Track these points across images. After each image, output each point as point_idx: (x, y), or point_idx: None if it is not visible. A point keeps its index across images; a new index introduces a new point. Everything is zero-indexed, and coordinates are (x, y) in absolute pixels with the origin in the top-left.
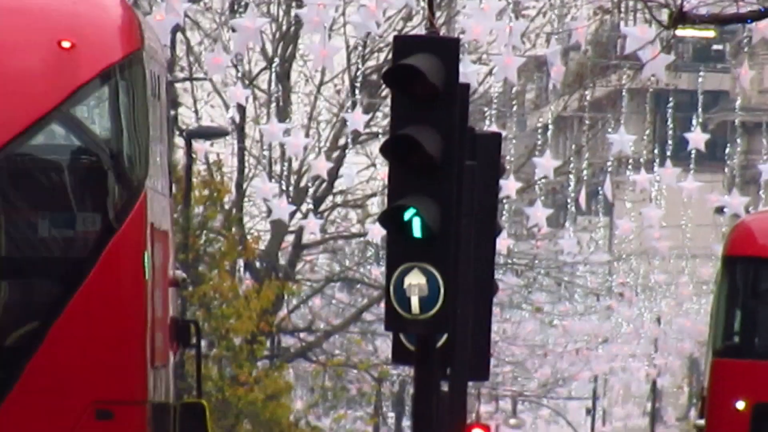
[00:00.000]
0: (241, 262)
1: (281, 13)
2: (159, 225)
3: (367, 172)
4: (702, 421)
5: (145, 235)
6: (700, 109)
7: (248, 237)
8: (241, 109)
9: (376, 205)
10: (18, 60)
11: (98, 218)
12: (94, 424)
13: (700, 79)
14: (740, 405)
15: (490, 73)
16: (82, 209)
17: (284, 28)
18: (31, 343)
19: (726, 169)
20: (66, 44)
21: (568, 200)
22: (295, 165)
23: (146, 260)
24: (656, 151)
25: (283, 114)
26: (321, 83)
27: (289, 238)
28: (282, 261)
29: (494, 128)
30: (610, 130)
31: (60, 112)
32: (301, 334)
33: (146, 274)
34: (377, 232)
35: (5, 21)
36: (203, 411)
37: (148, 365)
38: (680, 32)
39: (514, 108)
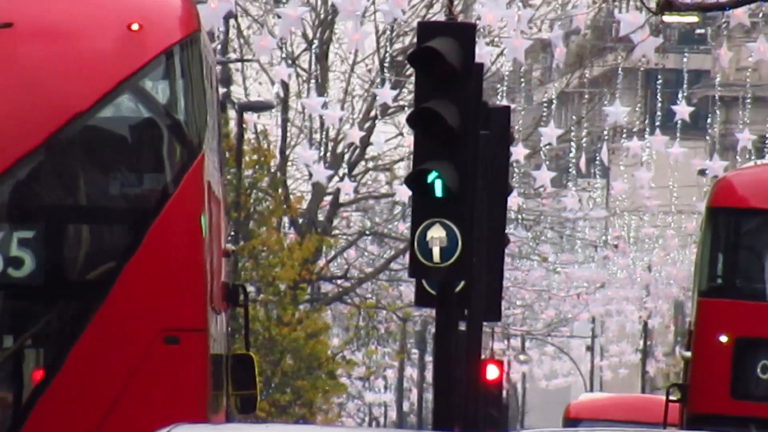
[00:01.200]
0: (285, 219)
1: (320, 2)
2: (213, 187)
3: (394, 140)
4: (689, 353)
5: (202, 190)
6: (684, 85)
7: (291, 197)
8: (285, 85)
9: (402, 169)
10: (94, 41)
11: (161, 176)
12: (163, 348)
13: (684, 59)
14: (723, 339)
15: (501, 54)
16: (147, 169)
17: (322, 15)
18: (109, 279)
19: (707, 137)
20: (135, 27)
21: (570, 164)
22: (332, 134)
23: (203, 221)
24: (647, 121)
25: (322, 90)
26: (354, 63)
27: (327, 198)
28: (321, 218)
29: (505, 102)
30: (606, 103)
31: (129, 84)
32: (338, 281)
33: (203, 231)
34: (404, 193)
35: (83, 8)
36: (252, 362)
37: (207, 302)
38: (667, 18)
39: (522, 85)
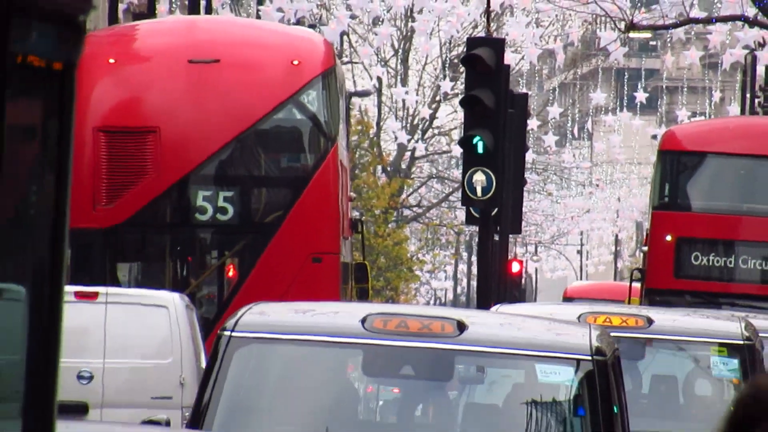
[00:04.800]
0: (379, 168)
1: (402, 25)
2: (343, 161)
3: (452, 116)
4: (646, 248)
5: (336, 164)
6: (642, 79)
7: (384, 153)
8: (379, 80)
9: (456, 134)
10: (270, 71)
11: (312, 156)
12: (311, 265)
13: (642, 61)
14: (668, 238)
15: (522, 59)
16: (304, 151)
17: (404, 33)
18: (278, 222)
19: (658, 114)
20: (296, 62)
21: (567, 131)
22: (411, 112)
23: (339, 182)
24: (618, 103)
25: (404, 82)
26: (425, 64)
27: (407, 154)
28: (403, 167)
29: (524, 90)
30: (591, 91)
31: (292, 99)
32: (414, 208)
33: (339, 184)
34: (457, 150)
35: (263, 51)
36: (366, 267)
37: (340, 234)
38: (631, 34)
39: (536, 79)
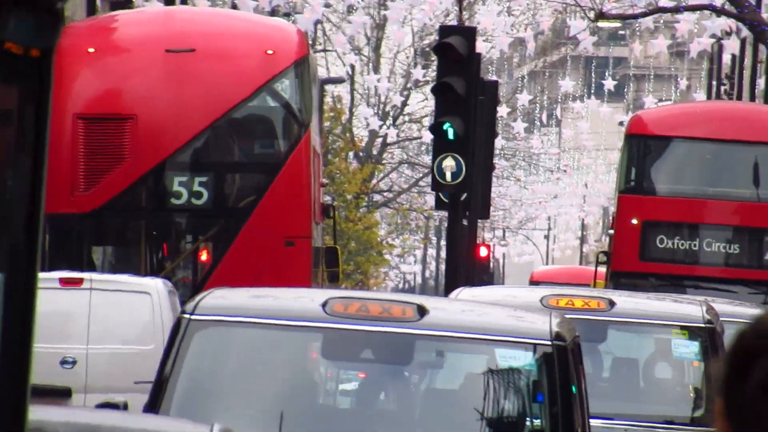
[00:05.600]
0: (351, 154)
1: (375, 13)
2: (316, 147)
3: (423, 103)
4: (612, 231)
5: (309, 150)
6: (610, 67)
7: (356, 139)
8: (352, 67)
9: (427, 121)
10: (245, 60)
11: (285, 143)
12: (284, 249)
13: (611, 50)
14: (634, 221)
15: (492, 47)
16: (277, 138)
17: (377, 21)
18: (252, 206)
19: (625, 101)
20: (270, 52)
21: (536, 118)
22: (383, 99)
23: (312, 167)
24: (586, 90)
25: (376, 70)
26: (397, 52)
27: (379, 140)
28: (374, 152)
29: (494, 78)
30: (560, 78)
31: (267, 87)
32: (384, 193)
33: (311, 170)
34: (428, 136)
35: (237, 40)
36: (337, 251)
37: (312, 218)
38: (601, 23)
39: (506, 66)
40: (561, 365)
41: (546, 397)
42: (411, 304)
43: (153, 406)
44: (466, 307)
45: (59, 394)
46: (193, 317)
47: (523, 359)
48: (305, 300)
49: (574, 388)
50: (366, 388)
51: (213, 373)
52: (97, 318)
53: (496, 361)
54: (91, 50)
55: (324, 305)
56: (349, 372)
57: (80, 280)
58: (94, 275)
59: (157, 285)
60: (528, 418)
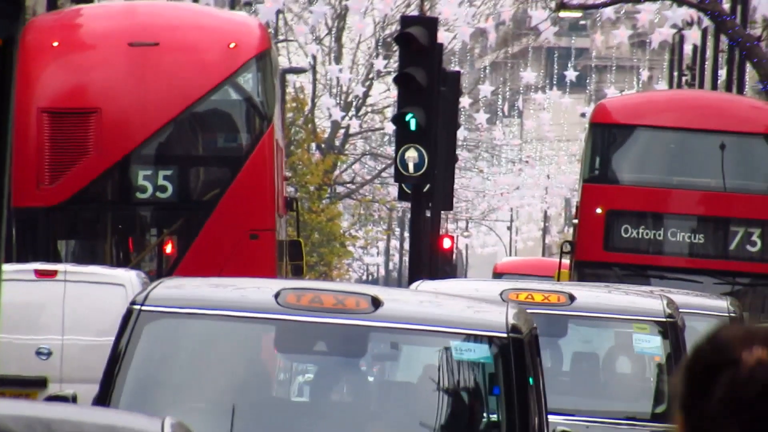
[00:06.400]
0: (313, 145)
1: (337, 3)
2: (279, 141)
3: (385, 93)
4: (576, 221)
5: (272, 143)
6: (572, 58)
7: (318, 130)
8: (314, 57)
9: (390, 112)
10: (207, 54)
11: (248, 136)
12: (249, 241)
13: (572, 41)
14: (598, 210)
15: (454, 37)
16: (240, 131)
17: (338, 11)
18: (216, 199)
19: (586, 92)
20: (232, 45)
21: (498, 109)
22: (345, 89)
23: (275, 161)
24: (548, 81)
25: (338, 60)
26: (359, 42)
27: (341, 131)
28: (337, 143)
29: (456, 68)
30: (521, 69)
31: (229, 80)
32: (347, 184)
33: (275, 163)
34: (390, 127)
35: (200, 34)
36: (301, 244)
37: (276, 211)
38: (561, 14)
39: (468, 57)
40: (517, 357)
41: (502, 390)
42: (365, 295)
43: (103, 399)
44: (422, 298)
45: (34, 384)
46: (143, 308)
47: (478, 351)
48: (258, 291)
49: (531, 380)
50: (320, 380)
51: (163, 365)
52: (71, 309)
53: (451, 353)
54: (56, 44)
55: (277, 296)
56: (302, 364)
57: (54, 272)
58: (69, 267)
59: (131, 277)
60: (484, 411)
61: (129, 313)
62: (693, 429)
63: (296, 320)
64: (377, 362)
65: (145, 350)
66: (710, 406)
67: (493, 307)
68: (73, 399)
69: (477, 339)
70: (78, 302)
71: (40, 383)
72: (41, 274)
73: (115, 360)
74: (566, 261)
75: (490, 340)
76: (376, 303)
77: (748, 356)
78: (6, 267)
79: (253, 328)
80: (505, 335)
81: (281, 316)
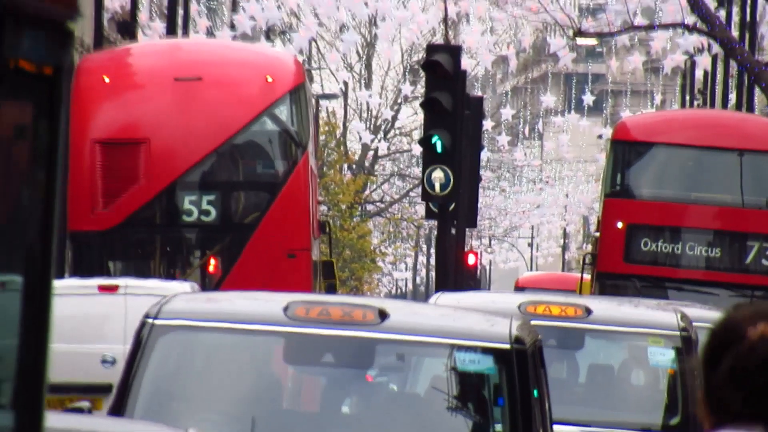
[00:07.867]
0: (345, 166)
1: (366, 32)
2: (313, 168)
3: (413, 117)
4: (597, 234)
5: (307, 169)
6: (589, 83)
7: (349, 152)
8: (345, 84)
9: (417, 135)
10: (246, 88)
11: (285, 163)
12: (287, 260)
13: (589, 66)
14: (619, 224)
15: (477, 64)
16: (277, 159)
17: (368, 39)
18: (256, 222)
19: (603, 115)
20: (269, 79)
21: (519, 131)
22: (374, 113)
23: (310, 185)
24: (566, 105)
25: (368, 85)
26: (388, 69)
27: (371, 153)
28: (367, 164)
29: (479, 94)
30: (541, 94)
31: (267, 112)
32: (377, 203)
33: (309, 188)
34: (417, 149)
35: (240, 69)
36: (333, 264)
37: (311, 233)
38: (579, 41)
39: (490, 83)
40: (521, 369)
41: (506, 401)
42: (372, 307)
43: (117, 410)
44: (428, 310)
45: (101, 390)
46: (156, 322)
47: (482, 363)
48: (267, 304)
49: (535, 392)
50: (328, 392)
51: (176, 377)
52: (132, 319)
53: (456, 364)
54: (107, 80)
55: (285, 309)
56: (311, 376)
57: (116, 287)
58: (129, 281)
59: (185, 288)
60: (488, 422)
61: (142, 326)
62: (707, 400)
63: (304, 332)
64: (383, 373)
65: (159, 362)
66: (718, 376)
67: (498, 319)
68: (89, 410)
69: (481, 350)
70: (138, 313)
71: (106, 389)
72: (104, 289)
73: (130, 372)
74: (587, 275)
75: (494, 352)
76: (383, 315)
77: (753, 332)
78: (71, 282)
79: (263, 341)
80: (508, 347)
81: (290, 329)
